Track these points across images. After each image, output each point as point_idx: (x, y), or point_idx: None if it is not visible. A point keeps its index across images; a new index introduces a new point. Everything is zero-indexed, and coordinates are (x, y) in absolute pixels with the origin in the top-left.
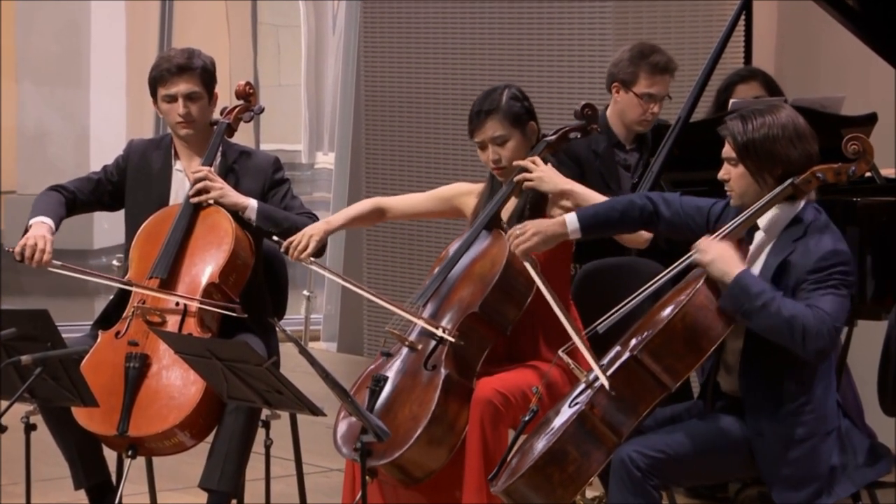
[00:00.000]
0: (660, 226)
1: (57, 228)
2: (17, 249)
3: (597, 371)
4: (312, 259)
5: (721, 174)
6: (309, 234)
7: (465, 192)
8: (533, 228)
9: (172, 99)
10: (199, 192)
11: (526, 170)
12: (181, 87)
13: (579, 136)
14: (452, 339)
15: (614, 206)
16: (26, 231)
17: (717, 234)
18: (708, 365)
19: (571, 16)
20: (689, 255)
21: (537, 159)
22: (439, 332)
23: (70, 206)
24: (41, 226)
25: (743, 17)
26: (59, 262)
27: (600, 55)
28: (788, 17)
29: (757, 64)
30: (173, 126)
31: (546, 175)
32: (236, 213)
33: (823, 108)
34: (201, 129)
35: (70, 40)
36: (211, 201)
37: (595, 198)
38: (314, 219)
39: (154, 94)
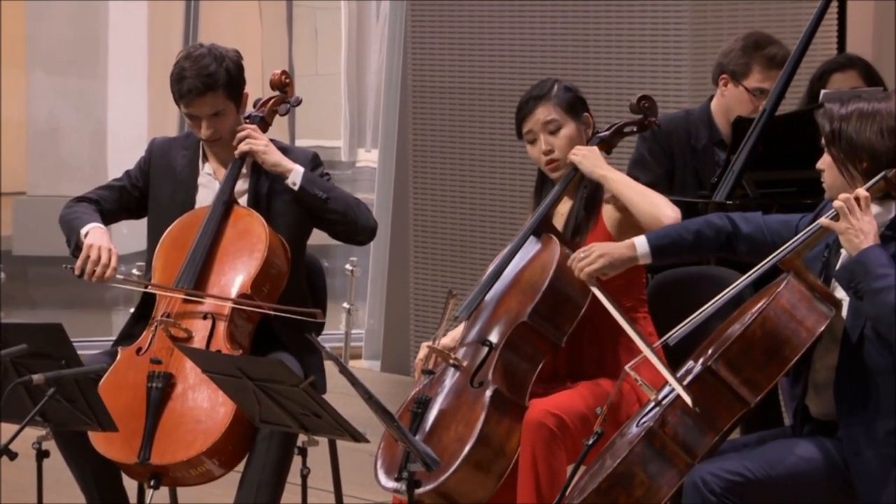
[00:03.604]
0: (740, 247)
1: None
2: (79, 264)
3: (673, 383)
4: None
5: (819, 163)
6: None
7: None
8: (599, 250)
9: (196, 119)
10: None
11: None
12: (204, 108)
13: (636, 130)
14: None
15: (687, 226)
16: (75, 244)
17: (797, 237)
18: (799, 389)
19: (644, 9)
20: (777, 252)
21: (579, 147)
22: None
23: (101, 216)
24: (100, 233)
25: (836, 2)
26: (121, 276)
27: (675, 52)
28: (886, 1)
29: (852, 52)
30: (200, 139)
31: (591, 156)
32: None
33: None
34: (231, 135)
35: (86, 25)
36: (244, 203)
37: (631, 188)
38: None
39: (175, 101)
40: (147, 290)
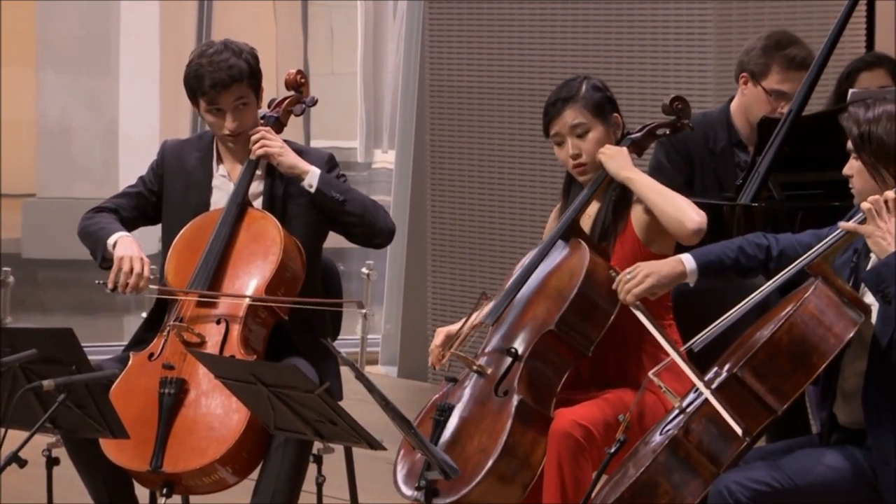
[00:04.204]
0: (772, 264)
1: None
2: (112, 278)
3: (700, 385)
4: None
5: (845, 169)
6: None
7: (557, 215)
8: (645, 270)
9: (219, 112)
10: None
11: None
12: (230, 99)
13: (668, 132)
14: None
15: (728, 245)
16: (102, 256)
17: (825, 241)
18: (827, 397)
19: (667, 9)
20: (802, 258)
21: (608, 146)
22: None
23: (122, 224)
24: (128, 242)
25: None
26: (155, 287)
27: (699, 52)
28: None
29: (880, 51)
30: (221, 137)
31: (619, 156)
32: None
33: None
34: (252, 126)
35: (97, 23)
36: (258, 206)
37: (655, 191)
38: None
39: (195, 101)
40: (181, 298)
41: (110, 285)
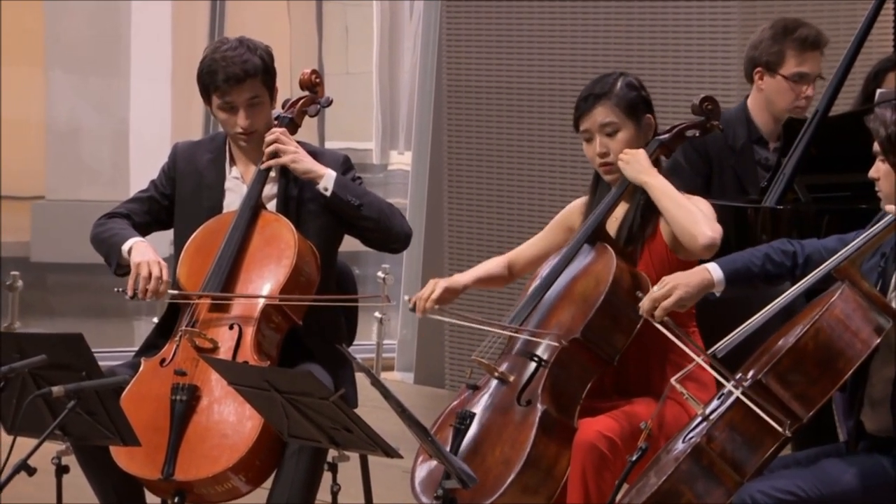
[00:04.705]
0: (798, 271)
1: None
2: (131, 285)
3: (729, 385)
4: (439, 307)
5: (871, 172)
6: (435, 282)
7: (579, 207)
8: (672, 282)
9: (232, 109)
10: (270, 158)
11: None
12: (243, 95)
13: (697, 133)
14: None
15: (755, 253)
16: (117, 263)
17: (852, 244)
18: (854, 404)
19: (689, 8)
20: (829, 262)
21: (627, 149)
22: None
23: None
24: (143, 247)
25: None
26: (175, 291)
27: (723, 52)
28: None
29: None
30: (233, 136)
31: (636, 159)
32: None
33: None
34: (262, 133)
35: (107, 21)
36: (272, 208)
37: (671, 198)
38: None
39: (207, 99)
40: (196, 301)
41: (129, 292)
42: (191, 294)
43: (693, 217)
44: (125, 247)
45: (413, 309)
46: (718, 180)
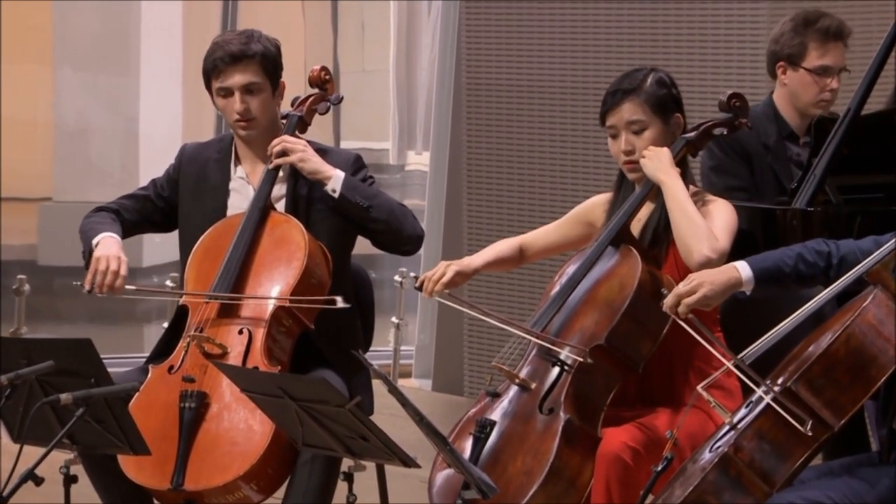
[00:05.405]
0: (832, 272)
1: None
2: (88, 279)
3: (759, 391)
4: (449, 292)
5: None
6: (446, 264)
7: (602, 204)
8: (698, 279)
9: (228, 93)
10: (278, 157)
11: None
12: (237, 78)
13: (725, 132)
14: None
15: (787, 252)
16: (87, 257)
17: (884, 247)
18: (887, 412)
19: (717, 7)
20: (859, 266)
21: (651, 147)
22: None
23: (120, 226)
24: (110, 242)
25: None
26: (132, 287)
27: (752, 51)
28: None
29: None
30: (232, 125)
31: (658, 157)
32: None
33: None
34: (266, 126)
35: (116, 18)
36: (281, 209)
37: (681, 205)
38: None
39: (209, 87)
40: (167, 297)
41: (87, 286)
42: (154, 290)
43: (695, 230)
44: (95, 240)
45: (419, 288)
46: (760, 179)
